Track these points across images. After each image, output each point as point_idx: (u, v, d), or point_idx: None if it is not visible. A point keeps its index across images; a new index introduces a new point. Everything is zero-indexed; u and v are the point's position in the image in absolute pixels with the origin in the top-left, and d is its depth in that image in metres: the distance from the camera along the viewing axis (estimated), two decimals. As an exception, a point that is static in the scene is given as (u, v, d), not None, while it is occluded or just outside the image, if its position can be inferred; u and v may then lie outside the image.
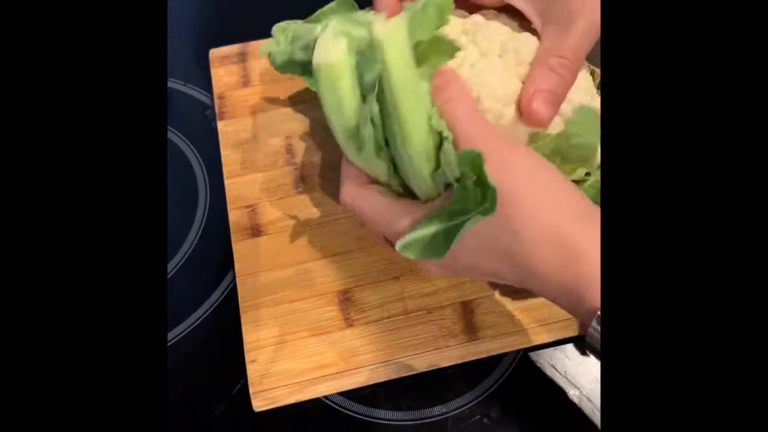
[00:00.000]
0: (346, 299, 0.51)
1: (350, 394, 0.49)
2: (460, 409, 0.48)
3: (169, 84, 0.65)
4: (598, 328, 0.35)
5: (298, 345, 0.50)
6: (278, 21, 0.52)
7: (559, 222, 0.37)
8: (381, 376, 0.49)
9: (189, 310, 0.53)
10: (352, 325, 0.50)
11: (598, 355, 0.36)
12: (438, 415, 0.48)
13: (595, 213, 0.38)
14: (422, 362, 0.49)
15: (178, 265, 0.55)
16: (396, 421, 0.48)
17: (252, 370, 0.49)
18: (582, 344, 0.38)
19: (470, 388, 0.49)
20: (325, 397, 0.49)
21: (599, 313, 0.35)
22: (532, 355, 0.50)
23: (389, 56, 0.37)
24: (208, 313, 0.53)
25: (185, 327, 0.52)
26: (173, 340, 0.52)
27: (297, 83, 0.62)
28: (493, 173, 0.35)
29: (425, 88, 0.39)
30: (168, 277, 0.54)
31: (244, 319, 0.51)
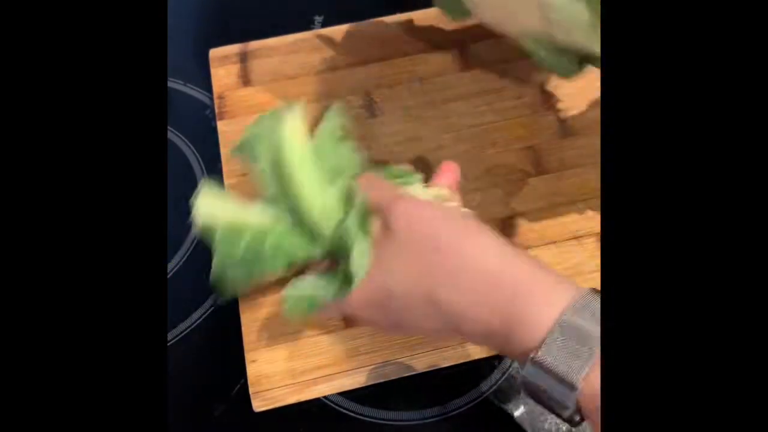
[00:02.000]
0: (346, 299, 0.51)
1: (350, 394, 0.49)
2: (460, 409, 0.48)
3: (169, 84, 0.65)
4: (532, 370, 0.34)
5: (298, 345, 0.50)
6: (278, 21, 0.51)
7: (488, 265, 0.37)
8: (381, 376, 0.49)
9: (189, 310, 0.53)
10: (352, 325, 0.50)
11: (530, 395, 0.35)
12: (438, 415, 0.48)
13: (520, 254, 0.38)
14: (422, 362, 0.49)
15: (178, 265, 0.55)
16: (396, 421, 0.48)
17: (252, 370, 0.49)
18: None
19: (470, 388, 0.49)
20: (325, 397, 0.49)
21: (532, 356, 0.34)
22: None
23: (283, 133, 0.43)
24: (208, 313, 0.53)
25: (185, 327, 0.52)
26: (173, 340, 0.52)
27: (296, 84, 0.62)
28: (415, 223, 0.39)
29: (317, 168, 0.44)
30: (168, 277, 0.54)
31: (244, 319, 0.51)
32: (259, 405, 0.48)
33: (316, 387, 0.48)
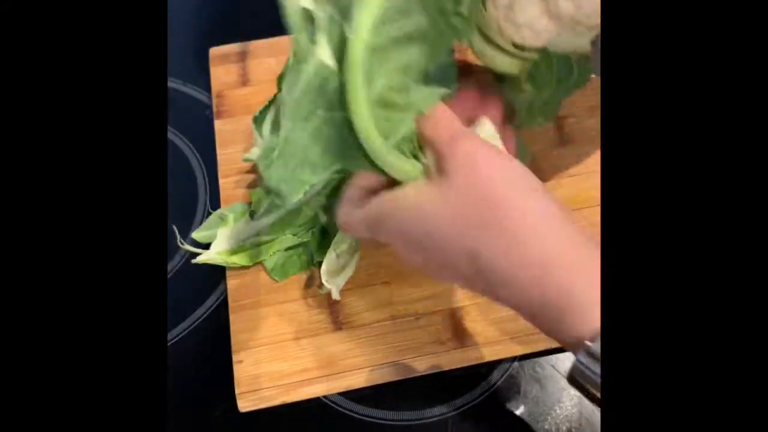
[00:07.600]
0: (335, 302, 0.51)
1: (350, 394, 0.49)
2: (460, 410, 0.48)
3: (169, 84, 0.65)
4: (586, 362, 0.32)
5: (286, 347, 0.50)
6: (278, 21, 0.51)
7: (546, 242, 0.34)
8: (368, 380, 0.48)
9: (189, 310, 0.53)
10: (340, 329, 0.50)
11: (584, 392, 0.33)
12: (438, 416, 0.48)
13: (581, 233, 0.35)
14: (409, 368, 0.49)
15: (178, 265, 0.55)
16: (396, 421, 0.48)
17: (239, 371, 0.48)
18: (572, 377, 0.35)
19: (471, 388, 0.49)
20: (325, 396, 0.49)
21: (588, 343, 0.32)
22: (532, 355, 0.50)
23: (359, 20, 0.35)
24: (208, 313, 0.53)
25: (185, 327, 0.52)
26: (173, 340, 0.51)
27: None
28: (481, 168, 0.35)
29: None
30: (168, 277, 0.54)
31: (233, 319, 0.51)
32: (244, 406, 0.47)
33: (303, 389, 0.48)
